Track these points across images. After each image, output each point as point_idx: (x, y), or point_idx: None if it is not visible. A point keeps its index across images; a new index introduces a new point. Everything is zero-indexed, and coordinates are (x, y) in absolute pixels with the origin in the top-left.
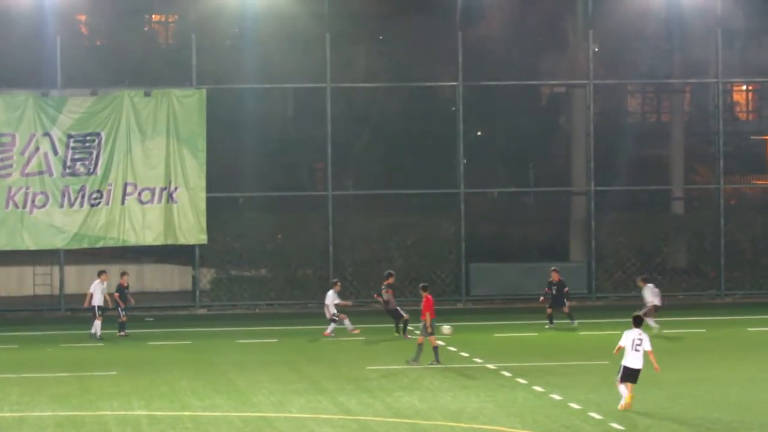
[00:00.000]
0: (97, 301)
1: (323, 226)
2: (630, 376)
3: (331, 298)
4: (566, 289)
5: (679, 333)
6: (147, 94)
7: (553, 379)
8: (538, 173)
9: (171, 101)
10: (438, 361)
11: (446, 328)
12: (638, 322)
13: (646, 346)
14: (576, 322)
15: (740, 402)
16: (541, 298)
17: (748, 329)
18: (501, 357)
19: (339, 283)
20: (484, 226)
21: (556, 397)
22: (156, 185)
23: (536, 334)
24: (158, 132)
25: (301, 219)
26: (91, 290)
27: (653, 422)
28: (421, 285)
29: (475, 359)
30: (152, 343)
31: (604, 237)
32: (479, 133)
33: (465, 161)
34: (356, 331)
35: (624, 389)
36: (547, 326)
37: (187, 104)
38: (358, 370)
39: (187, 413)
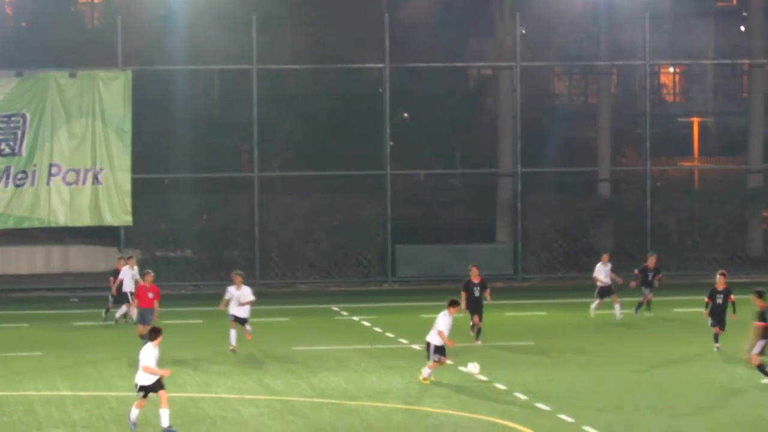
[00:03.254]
0: (128, 287)
1: (249, 208)
2: None
3: (128, 273)
4: (659, 276)
5: (604, 313)
6: (72, 76)
7: (478, 360)
8: (464, 155)
9: (97, 83)
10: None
11: (473, 367)
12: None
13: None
14: (652, 314)
15: (666, 382)
16: (632, 282)
17: (674, 310)
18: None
19: (134, 258)
20: (411, 207)
21: (482, 377)
22: (81, 166)
23: (462, 315)
24: (84, 113)
25: (226, 200)
26: (121, 276)
27: (578, 402)
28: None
29: (400, 340)
30: (77, 323)
31: (530, 219)
32: (406, 115)
33: (391, 143)
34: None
35: None
36: (636, 313)
37: (113, 86)
38: (284, 351)
39: (112, 394)
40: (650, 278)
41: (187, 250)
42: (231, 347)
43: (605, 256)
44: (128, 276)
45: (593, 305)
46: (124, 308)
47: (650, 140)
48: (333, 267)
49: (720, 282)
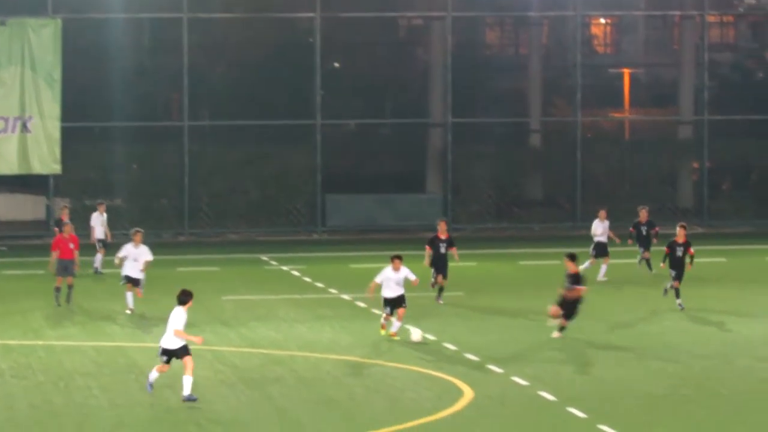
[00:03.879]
0: (98, 234)
1: (179, 157)
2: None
3: (98, 219)
4: (657, 229)
5: (534, 264)
6: (2, 24)
7: (408, 311)
8: (395, 105)
9: (26, 31)
10: None
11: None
12: None
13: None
14: (653, 271)
15: (593, 332)
16: (630, 240)
17: (615, 263)
18: (356, 288)
19: (104, 205)
20: (341, 157)
21: (410, 327)
22: (10, 115)
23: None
24: (13, 62)
25: (156, 150)
26: (92, 223)
27: (507, 353)
28: None
29: (330, 290)
30: (5, 272)
31: (461, 169)
32: (336, 65)
33: (322, 92)
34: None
35: None
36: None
37: (43, 34)
38: (213, 301)
39: (40, 342)
40: (644, 234)
41: (117, 199)
42: (128, 309)
43: (602, 212)
44: (98, 223)
45: (585, 264)
46: (99, 256)
47: (581, 91)
48: (263, 217)
49: (680, 234)
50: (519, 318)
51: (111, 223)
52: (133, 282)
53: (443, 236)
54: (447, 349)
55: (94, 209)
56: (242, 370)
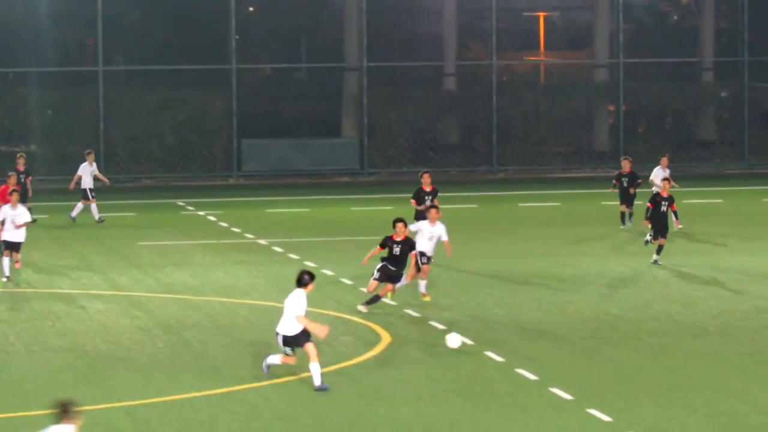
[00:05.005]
0: (87, 183)
1: (94, 102)
2: None
3: (87, 169)
4: (639, 182)
5: (450, 208)
6: None
7: (324, 255)
8: (310, 49)
9: None
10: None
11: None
12: None
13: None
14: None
15: (509, 276)
16: (611, 190)
17: (519, 204)
18: (273, 233)
19: (92, 154)
20: (257, 102)
21: (328, 272)
22: None
23: (308, 209)
24: None
25: (71, 95)
26: (80, 172)
27: (418, 299)
28: None
29: (246, 235)
30: None
31: (376, 113)
32: (251, 9)
33: (237, 37)
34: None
35: None
36: (621, 227)
37: None
38: (129, 247)
39: None
40: (626, 186)
41: (32, 145)
42: (5, 277)
43: (664, 159)
44: (87, 172)
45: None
46: (80, 206)
47: (496, 35)
48: (178, 162)
49: (664, 188)
50: (435, 261)
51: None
52: (12, 247)
53: (428, 188)
54: (364, 293)
55: (10, 155)
56: (159, 315)
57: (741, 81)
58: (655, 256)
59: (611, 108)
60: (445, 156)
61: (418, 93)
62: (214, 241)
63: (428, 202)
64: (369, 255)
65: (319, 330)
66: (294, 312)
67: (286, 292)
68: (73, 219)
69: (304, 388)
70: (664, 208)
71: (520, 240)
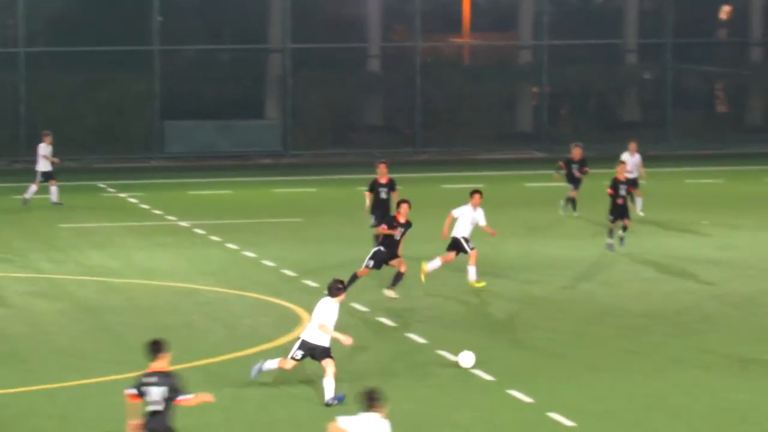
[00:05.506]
0: (43, 166)
1: (15, 84)
2: None
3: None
4: (586, 169)
5: None
6: None
7: (246, 237)
8: (234, 31)
9: None
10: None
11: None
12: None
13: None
14: (577, 214)
15: (432, 258)
16: (556, 174)
17: (442, 186)
18: (195, 214)
19: (50, 135)
20: (180, 83)
21: (250, 254)
22: None
23: (230, 191)
24: None
25: None
26: (42, 152)
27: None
28: None
29: (168, 217)
30: None
31: (299, 95)
32: None
33: (161, 18)
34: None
35: None
36: (562, 210)
37: None
38: (50, 229)
39: None
40: (575, 172)
41: None
42: None
43: (633, 144)
44: (46, 152)
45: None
46: (33, 188)
47: (420, 16)
48: (100, 143)
49: (620, 171)
50: (358, 244)
51: None
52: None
53: (383, 180)
54: (285, 275)
55: None
56: (79, 298)
57: (664, 63)
58: (610, 241)
59: (535, 90)
60: (368, 137)
61: (341, 75)
62: (136, 224)
63: (383, 195)
64: (381, 232)
65: (344, 339)
66: (318, 320)
67: (207, 275)
68: (37, 200)
69: (230, 369)
70: (623, 192)
71: (443, 222)
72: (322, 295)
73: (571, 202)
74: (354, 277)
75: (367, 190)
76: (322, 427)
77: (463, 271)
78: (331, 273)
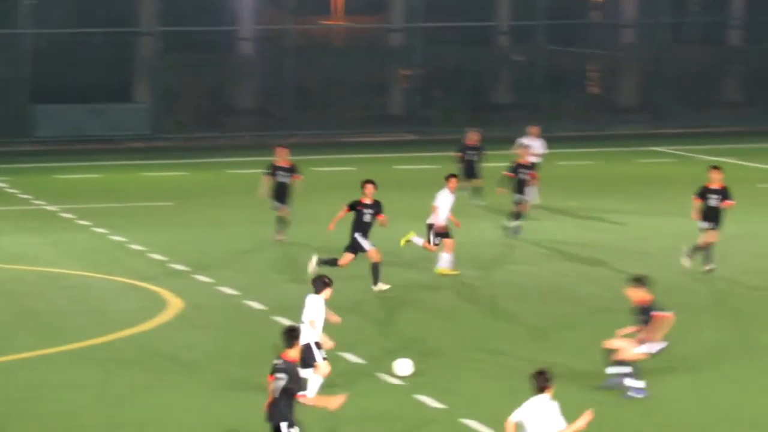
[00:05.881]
0: None
1: None
2: None
3: None
4: (483, 153)
5: (244, 173)
6: None
7: (115, 221)
8: (105, 14)
9: None
10: None
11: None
12: None
13: None
14: (485, 202)
15: (296, 241)
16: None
17: (312, 169)
18: (63, 199)
19: None
20: (50, 67)
21: (119, 238)
22: None
23: (99, 175)
24: None
25: None
26: None
27: (216, 263)
28: None
29: (36, 201)
30: None
31: (170, 78)
32: None
33: (32, 1)
34: None
35: None
36: (481, 202)
37: None
38: None
39: None
40: (472, 159)
41: None
42: None
43: (534, 129)
44: None
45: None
46: None
47: None
48: None
49: (523, 155)
50: (228, 227)
51: None
52: None
53: (283, 164)
54: (154, 259)
55: None
56: None
57: (537, 45)
58: (512, 223)
59: (407, 72)
60: (240, 121)
61: (212, 58)
62: (3, 208)
63: (283, 179)
64: (336, 218)
65: (328, 344)
66: (308, 318)
67: (75, 259)
68: None
69: (97, 352)
70: (523, 176)
71: (315, 204)
72: (191, 280)
73: (473, 190)
74: (333, 263)
75: (265, 174)
76: (194, 414)
77: (332, 252)
78: (201, 257)
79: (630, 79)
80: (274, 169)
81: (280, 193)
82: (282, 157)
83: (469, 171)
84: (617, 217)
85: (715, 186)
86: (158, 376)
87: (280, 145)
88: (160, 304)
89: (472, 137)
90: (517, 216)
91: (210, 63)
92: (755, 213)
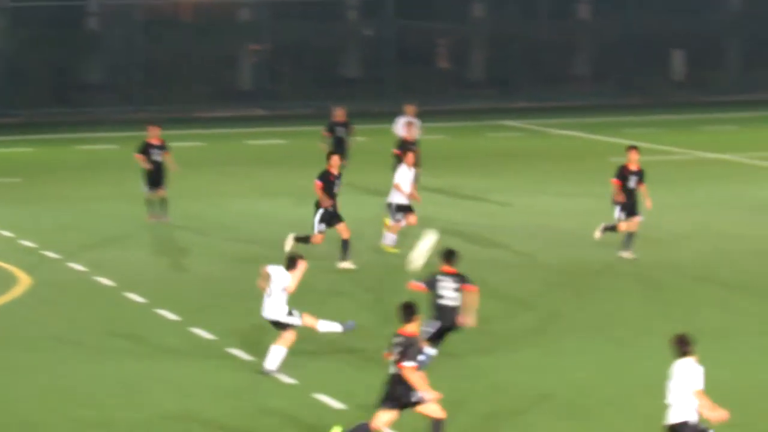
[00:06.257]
0: None
1: None
2: None
3: None
4: (352, 128)
5: (92, 149)
6: None
7: None
8: None
9: None
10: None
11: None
12: None
13: None
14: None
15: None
16: (321, 144)
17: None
18: None
19: None
20: None
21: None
22: None
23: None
24: None
25: None
26: None
27: (64, 239)
28: None
29: None
30: None
31: (17, 53)
32: None
33: None
34: None
35: None
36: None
37: None
38: None
39: None
40: (342, 136)
41: None
42: None
43: (409, 107)
44: None
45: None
46: None
47: None
48: None
49: (409, 132)
50: (77, 204)
51: None
52: None
53: (156, 142)
54: (2, 236)
55: None
56: None
57: (385, 19)
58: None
59: (256, 47)
60: (88, 96)
61: (60, 33)
62: None
63: (156, 157)
64: (321, 196)
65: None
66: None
67: None
68: None
69: None
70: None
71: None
72: (41, 256)
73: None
74: (306, 240)
75: (138, 153)
76: (35, 389)
77: (184, 229)
78: (50, 234)
79: (479, 53)
80: (147, 148)
81: (156, 172)
82: (154, 135)
83: (339, 147)
84: (469, 192)
85: (634, 167)
86: (5, 353)
87: (151, 123)
88: (8, 281)
89: (339, 113)
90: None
91: (58, 38)
92: (609, 186)
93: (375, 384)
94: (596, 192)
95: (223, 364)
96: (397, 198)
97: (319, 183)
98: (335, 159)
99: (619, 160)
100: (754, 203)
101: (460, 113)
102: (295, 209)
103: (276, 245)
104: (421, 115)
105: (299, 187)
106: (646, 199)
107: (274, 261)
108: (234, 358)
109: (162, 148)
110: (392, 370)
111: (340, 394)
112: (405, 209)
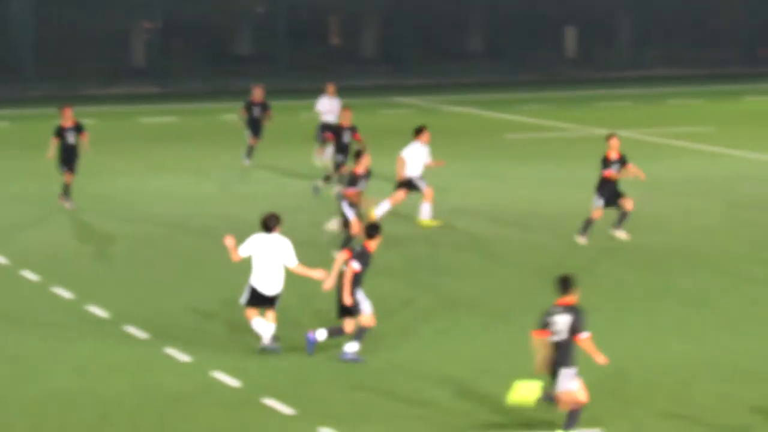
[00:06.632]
0: None
1: None
2: None
3: None
4: (269, 112)
5: None
6: None
7: None
8: None
9: None
10: None
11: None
12: None
13: None
14: (249, 162)
15: (40, 196)
16: (238, 122)
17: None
18: None
19: None
20: None
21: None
22: None
23: None
24: None
25: None
26: None
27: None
28: None
29: None
30: None
31: None
32: None
33: None
34: None
35: None
36: (246, 162)
37: None
38: None
39: None
40: (257, 116)
41: None
42: None
43: (331, 86)
44: None
45: (319, 155)
46: None
47: None
48: None
49: (346, 118)
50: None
51: None
52: None
53: (69, 124)
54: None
55: None
56: None
57: None
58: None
59: (148, 25)
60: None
61: None
62: None
63: (71, 140)
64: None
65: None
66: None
67: None
68: None
69: None
70: (346, 139)
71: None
72: None
73: (249, 150)
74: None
75: (54, 135)
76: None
77: (82, 210)
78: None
79: (370, 30)
80: (61, 130)
81: (69, 155)
82: (68, 117)
83: (255, 128)
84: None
85: (614, 155)
86: None
87: (65, 105)
88: None
89: (258, 93)
90: (328, 178)
91: None
92: (507, 163)
93: (269, 363)
94: (492, 171)
95: (119, 341)
96: (411, 172)
97: (351, 191)
98: (365, 158)
99: (515, 137)
100: (648, 180)
101: (353, 90)
102: (189, 187)
103: (172, 223)
104: (313, 93)
105: (193, 165)
106: (639, 174)
107: (171, 239)
108: (129, 336)
109: (77, 129)
110: (557, 338)
111: (236, 371)
112: (405, 185)
